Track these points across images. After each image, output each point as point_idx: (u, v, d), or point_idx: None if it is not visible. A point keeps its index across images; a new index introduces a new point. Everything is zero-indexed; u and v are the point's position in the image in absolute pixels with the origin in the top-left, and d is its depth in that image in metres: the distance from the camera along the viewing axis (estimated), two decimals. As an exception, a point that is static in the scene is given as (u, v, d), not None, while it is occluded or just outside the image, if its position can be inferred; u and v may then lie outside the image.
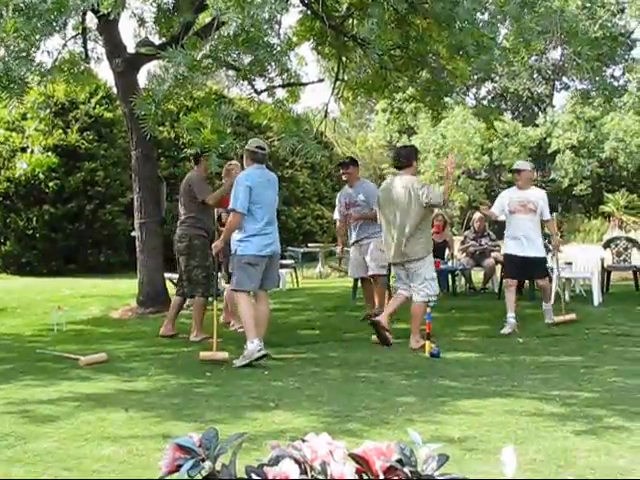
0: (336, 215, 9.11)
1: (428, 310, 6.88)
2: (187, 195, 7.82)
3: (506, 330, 7.77)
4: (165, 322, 8.10)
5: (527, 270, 8.18)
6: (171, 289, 10.30)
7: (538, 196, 8.22)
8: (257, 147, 6.75)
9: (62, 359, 6.71)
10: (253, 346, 6.32)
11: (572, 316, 8.39)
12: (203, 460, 1.34)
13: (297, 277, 13.54)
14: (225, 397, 5.17)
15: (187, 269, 7.77)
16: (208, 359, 6.55)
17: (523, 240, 7.99)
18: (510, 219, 8.13)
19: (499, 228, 12.03)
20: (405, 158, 7.27)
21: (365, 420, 4.46)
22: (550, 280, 10.50)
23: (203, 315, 7.78)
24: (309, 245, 16.86)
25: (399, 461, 1.30)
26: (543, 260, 8.33)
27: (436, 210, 9.41)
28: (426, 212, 7.13)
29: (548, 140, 32.45)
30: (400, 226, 7.05)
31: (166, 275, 10.12)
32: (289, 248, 14.92)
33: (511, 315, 7.90)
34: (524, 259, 7.99)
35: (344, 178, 8.83)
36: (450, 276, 11.23)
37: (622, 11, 15.64)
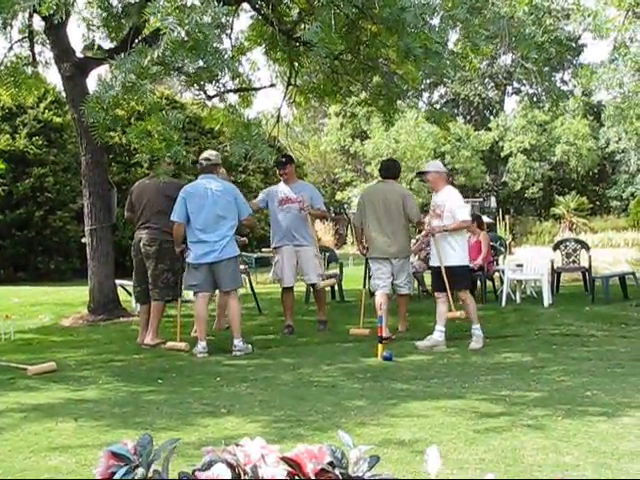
0: (255, 201, 8.71)
1: (380, 313, 6.91)
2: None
3: (422, 344, 7.13)
4: (148, 332, 7.67)
5: (443, 281, 7.12)
6: (123, 296, 10.19)
7: (443, 199, 7.26)
8: (202, 159, 7.34)
9: (9, 369, 6.57)
10: (198, 348, 7.12)
11: (461, 313, 7.22)
12: (137, 467, 1.33)
13: (251, 282, 13.46)
14: (176, 404, 5.12)
15: (155, 273, 7.64)
16: (171, 348, 7.30)
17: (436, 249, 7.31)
18: None
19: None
20: (397, 170, 8.31)
21: (317, 424, 4.46)
22: (501, 282, 10.70)
23: (161, 319, 7.70)
24: (263, 250, 16.77)
25: (330, 463, 1.31)
26: (460, 269, 7.22)
27: None
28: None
29: (500, 144, 32.99)
30: (390, 226, 7.77)
31: (117, 282, 10.00)
32: (243, 253, 14.80)
33: (439, 328, 7.16)
34: (437, 269, 7.27)
35: (282, 178, 8.45)
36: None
37: (567, 17, 16.12)
